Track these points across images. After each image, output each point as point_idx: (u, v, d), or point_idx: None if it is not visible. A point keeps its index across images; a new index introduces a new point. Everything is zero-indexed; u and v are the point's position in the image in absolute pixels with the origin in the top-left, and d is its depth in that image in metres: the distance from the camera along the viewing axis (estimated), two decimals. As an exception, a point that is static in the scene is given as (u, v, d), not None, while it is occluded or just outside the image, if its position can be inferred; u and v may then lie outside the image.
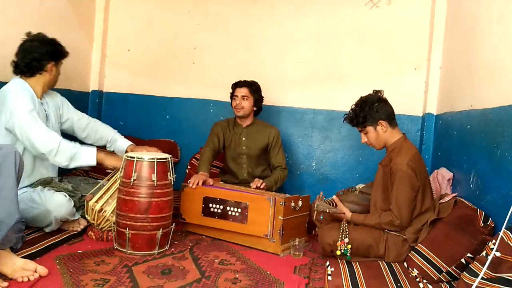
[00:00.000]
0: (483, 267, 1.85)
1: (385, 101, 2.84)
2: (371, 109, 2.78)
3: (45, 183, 2.95)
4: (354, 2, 3.93)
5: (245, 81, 3.61)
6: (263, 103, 3.67)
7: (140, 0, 4.32)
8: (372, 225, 2.74)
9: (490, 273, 1.85)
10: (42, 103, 2.99)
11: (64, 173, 3.39)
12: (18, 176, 2.21)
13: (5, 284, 2.04)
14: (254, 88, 3.58)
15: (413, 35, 3.85)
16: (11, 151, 2.18)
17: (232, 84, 3.64)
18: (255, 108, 3.61)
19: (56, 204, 2.78)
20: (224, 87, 3.70)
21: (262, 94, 3.65)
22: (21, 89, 2.84)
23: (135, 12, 4.33)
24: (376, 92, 2.87)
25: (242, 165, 3.64)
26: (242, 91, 3.54)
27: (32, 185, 2.93)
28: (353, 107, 2.87)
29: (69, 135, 3.24)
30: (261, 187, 3.33)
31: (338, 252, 2.67)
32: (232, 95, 3.62)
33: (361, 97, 2.88)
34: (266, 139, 3.61)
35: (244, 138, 3.61)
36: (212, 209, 3.11)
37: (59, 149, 2.77)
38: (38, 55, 2.89)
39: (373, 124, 2.81)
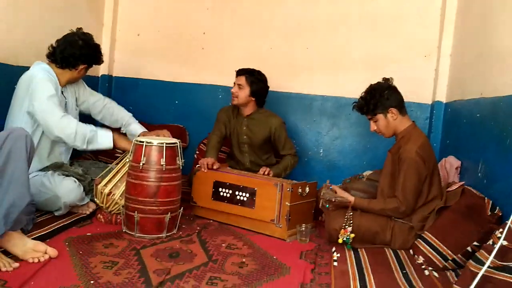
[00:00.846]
0: (490, 255, 1.85)
1: (394, 89, 2.83)
2: (382, 96, 2.77)
3: (56, 167, 2.98)
4: (365, -12, 3.90)
5: (244, 69, 3.50)
6: (272, 90, 3.62)
7: (150, -15, 4.31)
8: (376, 210, 2.74)
9: (497, 261, 1.85)
10: (62, 91, 3.03)
11: (74, 156, 3.42)
12: (29, 159, 2.23)
13: (16, 264, 2.07)
14: (252, 78, 3.45)
15: (423, 22, 3.80)
16: (22, 134, 2.20)
17: (235, 70, 3.58)
18: (253, 98, 3.51)
19: (66, 190, 2.82)
20: (232, 73, 3.67)
21: (268, 84, 3.54)
22: (46, 74, 2.87)
23: (144, -4, 4.32)
24: (386, 79, 2.85)
25: (245, 153, 3.62)
26: (239, 80, 3.46)
27: (43, 169, 2.97)
28: (362, 94, 2.86)
29: (85, 116, 3.28)
30: (269, 175, 3.33)
31: (340, 240, 2.69)
32: None
33: (370, 84, 2.86)
34: (268, 130, 3.52)
35: (245, 128, 3.56)
36: (221, 194, 3.14)
37: (77, 133, 2.81)
38: (78, 54, 2.95)
39: (383, 111, 2.80)
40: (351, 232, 2.68)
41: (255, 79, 3.47)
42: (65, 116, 2.82)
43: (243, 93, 3.45)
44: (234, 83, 3.49)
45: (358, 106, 2.89)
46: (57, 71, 2.97)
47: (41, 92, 2.77)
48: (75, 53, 2.94)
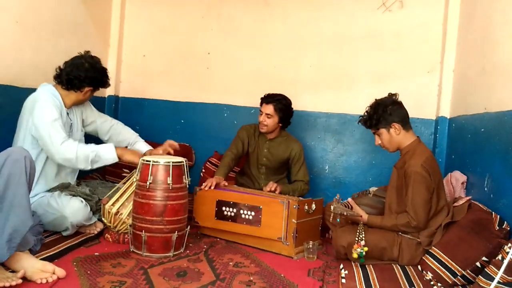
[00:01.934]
0: (499, 271, 1.85)
1: (399, 104, 2.85)
2: (385, 111, 2.80)
3: (63, 187, 3.00)
4: (367, 6, 3.94)
5: (272, 97, 3.48)
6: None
7: (155, 7, 4.38)
8: (389, 227, 2.74)
9: (506, 277, 1.85)
10: (68, 112, 3.06)
11: (81, 176, 3.44)
12: (30, 181, 2.23)
13: (20, 274, 2.08)
14: (280, 105, 3.45)
15: (426, 38, 3.84)
16: (21, 156, 2.18)
17: (261, 98, 3.55)
18: (280, 124, 3.54)
19: (73, 210, 2.82)
20: (237, 91, 3.71)
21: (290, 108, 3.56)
22: (50, 97, 2.90)
23: (150, 18, 4.39)
24: (391, 95, 2.88)
25: (261, 175, 3.64)
26: (267, 109, 3.45)
27: (50, 190, 2.98)
28: (367, 109, 2.89)
29: (92, 137, 3.31)
30: (275, 191, 3.30)
31: (355, 255, 2.66)
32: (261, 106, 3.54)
33: (375, 99, 2.90)
34: (288, 153, 3.56)
35: (266, 150, 3.59)
36: (225, 212, 3.13)
37: (78, 157, 2.82)
38: (83, 77, 2.98)
39: (386, 126, 2.82)
40: (364, 246, 2.67)
41: (283, 106, 3.47)
42: (65, 142, 2.82)
43: (272, 122, 3.48)
44: (261, 112, 3.48)
45: (363, 120, 2.93)
46: (62, 92, 3.00)
47: (43, 117, 2.80)
48: (80, 76, 2.96)
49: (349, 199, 2.89)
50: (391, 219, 2.76)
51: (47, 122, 2.79)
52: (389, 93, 2.90)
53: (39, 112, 2.81)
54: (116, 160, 2.95)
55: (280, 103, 3.46)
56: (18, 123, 2.93)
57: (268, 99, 3.48)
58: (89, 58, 3.04)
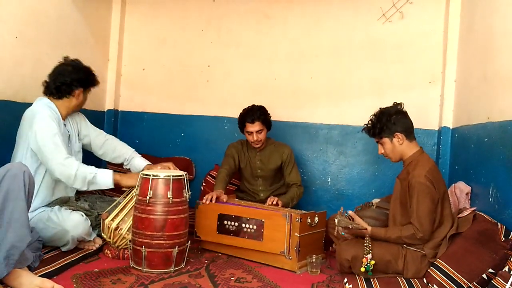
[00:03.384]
0: (507, 283, 1.81)
1: (404, 114, 2.83)
2: (388, 121, 2.78)
3: (62, 202, 2.97)
4: (367, 17, 3.93)
5: (251, 114, 3.44)
6: (277, 119, 3.64)
7: (154, 20, 4.39)
8: (394, 239, 2.70)
9: (514, 289, 1.81)
10: (65, 124, 3.04)
11: (81, 191, 3.41)
12: (28, 197, 2.21)
13: None
14: (263, 117, 3.46)
15: (427, 49, 3.83)
16: (20, 171, 2.17)
17: (240, 118, 3.53)
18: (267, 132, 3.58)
19: (73, 223, 2.80)
20: (238, 104, 3.69)
21: (273, 111, 3.60)
22: (48, 110, 2.88)
23: (149, 32, 4.39)
24: (396, 104, 2.87)
25: (258, 187, 3.65)
26: (256, 126, 3.44)
27: (50, 204, 2.95)
28: (371, 117, 2.88)
29: (86, 152, 3.28)
30: (277, 204, 3.30)
31: (363, 269, 2.62)
32: (243, 129, 3.52)
33: (380, 108, 2.88)
34: (280, 159, 3.60)
35: (258, 162, 3.61)
36: (227, 226, 3.10)
37: (76, 176, 2.81)
38: (70, 80, 2.96)
39: (389, 136, 2.80)
40: (372, 259, 2.62)
41: (264, 116, 3.49)
42: (67, 159, 2.80)
43: (263, 135, 3.51)
44: (249, 133, 3.47)
45: (366, 129, 2.92)
46: (56, 103, 2.98)
47: (42, 132, 2.78)
48: (66, 80, 2.95)
49: (350, 212, 2.85)
50: (395, 231, 2.72)
51: (48, 137, 2.78)
52: (394, 103, 2.88)
53: (38, 126, 2.79)
54: (111, 187, 2.91)
55: (261, 114, 3.47)
56: (17, 138, 2.91)
57: (250, 117, 3.44)
58: (69, 61, 3.03)
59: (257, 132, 3.47)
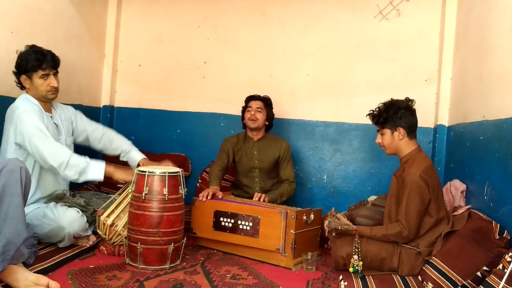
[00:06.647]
0: (501, 281, 1.82)
1: (412, 111, 2.82)
2: (396, 113, 2.78)
3: (58, 198, 2.96)
4: (363, 15, 3.94)
5: (258, 95, 3.65)
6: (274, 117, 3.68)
7: (150, 16, 4.37)
8: (379, 237, 2.70)
9: (508, 286, 1.82)
10: (52, 116, 3.02)
11: (76, 187, 3.40)
12: (25, 193, 2.20)
13: None
14: (268, 102, 3.63)
15: (423, 47, 3.83)
16: (17, 166, 2.16)
17: (247, 97, 3.67)
18: (267, 123, 3.63)
19: (69, 220, 2.79)
20: (234, 101, 3.70)
21: (273, 109, 3.68)
22: (27, 104, 2.86)
23: (145, 28, 4.38)
24: (408, 100, 2.85)
25: (254, 179, 3.63)
26: (257, 103, 3.58)
27: (45, 201, 2.95)
28: (380, 105, 2.86)
29: (85, 148, 3.27)
30: (264, 200, 3.29)
31: (351, 270, 2.63)
32: (245, 108, 3.63)
33: (391, 98, 2.87)
34: (278, 152, 3.61)
35: (255, 152, 3.61)
36: (223, 223, 3.10)
37: (69, 162, 2.79)
38: (14, 72, 2.93)
39: (391, 128, 2.80)
40: (360, 260, 2.63)
41: (269, 104, 3.63)
42: (60, 146, 2.80)
43: (262, 116, 3.58)
44: (249, 108, 3.58)
45: (372, 115, 2.89)
46: (29, 95, 2.93)
47: (27, 123, 2.76)
48: (14, 71, 2.91)
49: (339, 214, 2.86)
50: (381, 229, 2.73)
51: (32, 126, 2.76)
52: (406, 98, 2.86)
53: (21, 118, 2.77)
54: (101, 179, 2.89)
55: (267, 101, 3.64)
56: (2, 134, 2.89)
57: (255, 96, 3.64)
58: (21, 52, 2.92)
59: (256, 108, 3.55)
